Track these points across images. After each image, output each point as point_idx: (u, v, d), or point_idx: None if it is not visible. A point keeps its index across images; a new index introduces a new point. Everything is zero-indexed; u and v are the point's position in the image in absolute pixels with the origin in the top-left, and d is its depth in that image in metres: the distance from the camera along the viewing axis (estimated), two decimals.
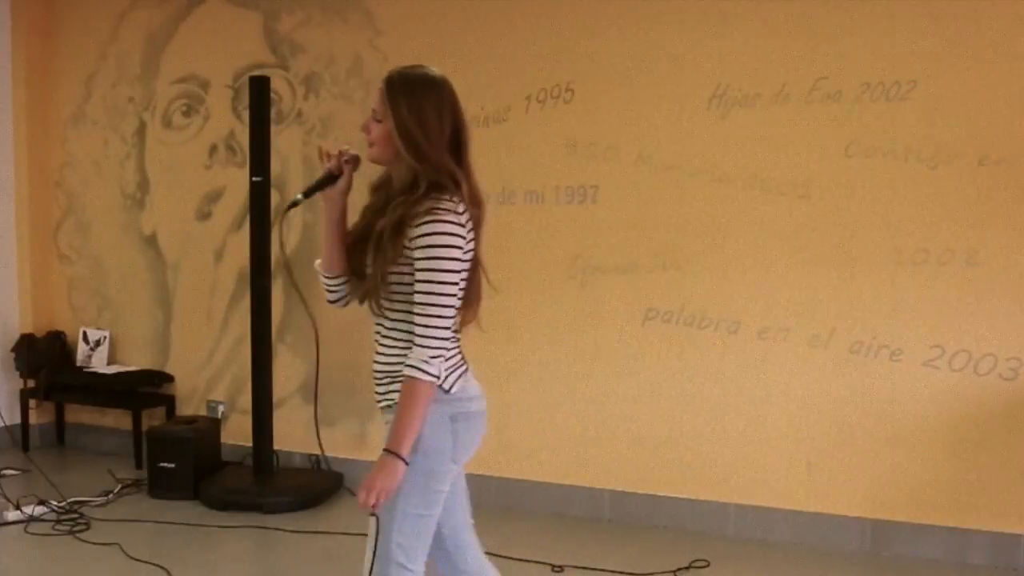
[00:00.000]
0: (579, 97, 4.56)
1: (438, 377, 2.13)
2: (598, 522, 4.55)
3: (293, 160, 5.24)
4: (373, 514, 2.18)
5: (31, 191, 5.90)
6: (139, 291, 5.75)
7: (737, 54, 4.24)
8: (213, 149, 5.47)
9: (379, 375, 2.29)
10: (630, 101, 4.45)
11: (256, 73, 4.94)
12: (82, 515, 4.53)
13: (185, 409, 5.61)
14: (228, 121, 5.41)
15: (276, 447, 4.99)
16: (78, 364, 5.83)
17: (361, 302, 2.29)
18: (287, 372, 5.22)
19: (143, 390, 5.59)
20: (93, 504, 4.72)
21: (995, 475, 3.91)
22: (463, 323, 2.31)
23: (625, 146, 4.47)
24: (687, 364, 4.39)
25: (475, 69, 4.75)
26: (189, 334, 5.62)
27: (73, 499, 4.71)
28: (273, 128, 4.92)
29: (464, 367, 2.29)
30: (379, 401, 2.30)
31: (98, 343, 5.82)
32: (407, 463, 2.12)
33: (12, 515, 4.46)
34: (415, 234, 2.10)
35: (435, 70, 2.26)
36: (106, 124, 5.80)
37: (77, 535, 4.28)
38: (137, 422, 5.44)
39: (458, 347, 2.29)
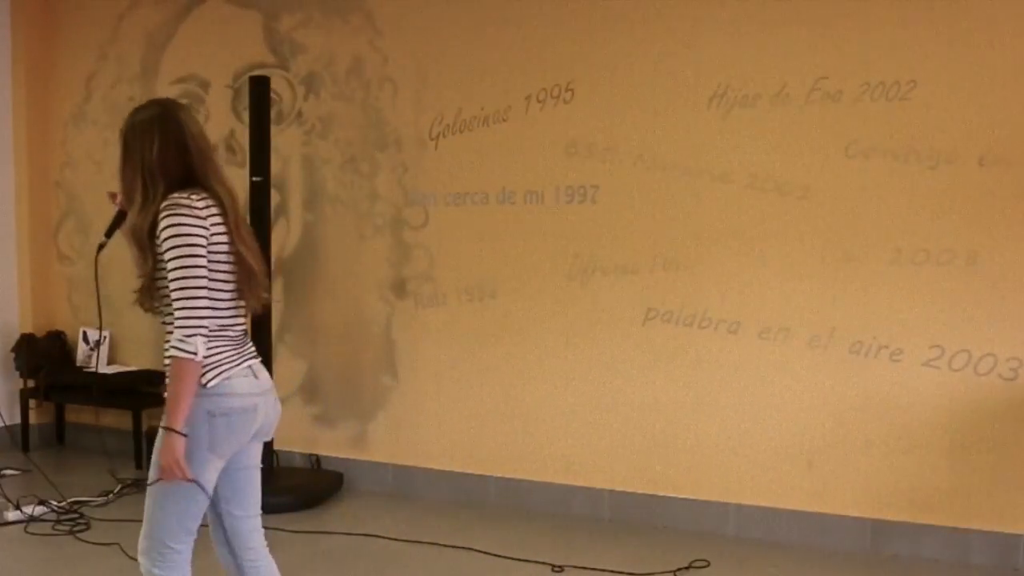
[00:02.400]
0: (579, 97, 4.56)
1: (196, 353, 2.29)
2: (598, 522, 4.55)
3: (293, 160, 5.24)
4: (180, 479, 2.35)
5: (31, 191, 5.91)
6: None
7: (737, 54, 4.24)
8: (213, 149, 5.46)
9: (167, 367, 2.40)
10: (630, 101, 4.45)
11: (256, 73, 4.94)
12: (82, 515, 4.53)
13: None
14: (228, 121, 5.41)
15: (276, 447, 4.99)
16: (78, 364, 5.84)
17: (144, 308, 2.49)
18: (287, 372, 5.22)
19: (143, 390, 5.59)
20: (93, 504, 4.72)
21: (995, 475, 3.91)
22: (247, 310, 2.51)
23: (625, 146, 4.47)
24: (687, 364, 4.39)
25: (475, 69, 4.76)
26: None
27: (73, 499, 4.71)
28: (273, 128, 4.92)
29: (232, 365, 2.42)
30: (166, 391, 2.43)
31: (98, 343, 5.82)
32: (184, 435, 2.30)
33: (12, 515, 4.46)
34: (158, 231, 2.34)
35: (155, 105, 2.62)
36: (106, 124, 5.81)
37: (77, 535, 4.29)
38: (137, 422, 5.44)
39: (229, 345, 2.44)
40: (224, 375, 2.40)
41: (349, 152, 5.08)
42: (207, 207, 2.38)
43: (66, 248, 6.00)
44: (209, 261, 2.35)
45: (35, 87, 5.89)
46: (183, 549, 2.45)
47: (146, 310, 2.48)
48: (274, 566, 2.71)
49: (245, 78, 5.01)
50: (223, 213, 2.41)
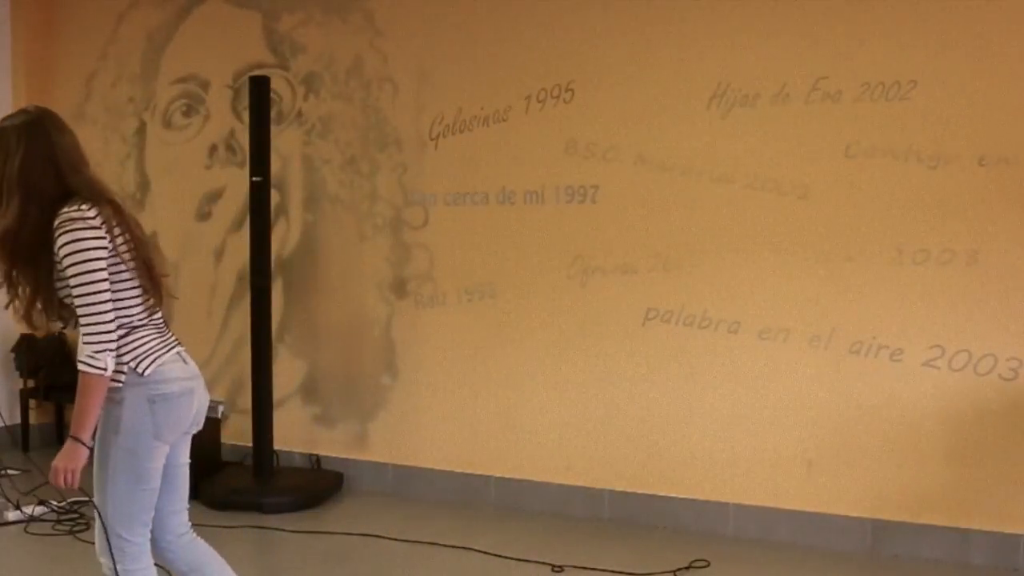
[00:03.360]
0: (579, 97, 4.56)
1: (105, 369, 2.37)
2: (598, 522, 4.55)
3: (293, 160, 5.24)
4: (67, 488, 2.40)
5: None
6: None
7: (737, 54, 4.24)
8: (213, 149, 5.48)
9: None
10: (630, 101, 4.45)
11: (256, 73, 4.94)
12: (82, 515, 4.53)
13: None
14: (228, 121, 5.42)
15: (276, 447, 4.99)
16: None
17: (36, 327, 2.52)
18: (287, 372, 5.23)
19: None
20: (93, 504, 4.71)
21: (995, 475, 3.91)
22: (156, 307, 2.56)
23: (625, 146, 4.47)
24: (687, 364, 4.39)
25: (475, 69, 4.76)
26: (189, 334, 5.59)
27: (73, 499, 4.71)
28: (273, 128, 4.92)
29: (162, 351, 2.50)
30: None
31: None
32: (89, 447, 2.38)
33: (12, 515, 4.46)
34: (56, 247, 2.32)
35: (18, 116, 2.48)
36: (106, 124, 5.81)
37: (77, 535, 4.28)
38: None
39: (154, 333, 2.52)
40: (157, 361, 2.47)
41: (349, 152, 5.08)
42: (97, 215, 2.36)
43: None
44: (111, 271, 2.36)
45: (35, 87, 5.88)
46: (141, 541, 2.51)
47: (37, 327, 2.51)
48: (200, 541, 2.78)
49: (245, 78, 5.01)
50: (116, 217, 2.41)
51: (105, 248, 2.35)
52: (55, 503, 4.61)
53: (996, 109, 3.85)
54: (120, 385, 2.43)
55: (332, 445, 5.19)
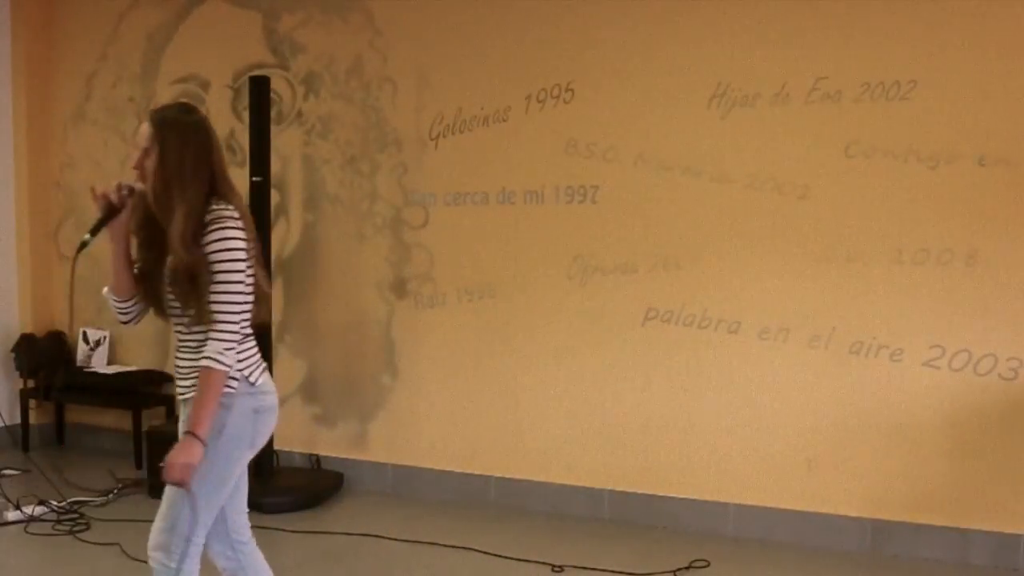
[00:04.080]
0: (579, 97, 4.56)
1: (230, 367, 2.38)
2: (598, 522, 4.55)
3: (293, 160, 5.24)
4: (179, 484, 2.37)
5: (31, 191, 5.90)
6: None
7: (737, 54, 4.24)
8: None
9: (186, 370, 2.47)
10: (630, 101, 4.45)
11: (256, 73, 4.94)
12: (82, 515, 4.53)
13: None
14: (228, 121, 5.41)
15: (276, 447, 4.99)
16: (78, 364, 5.83)
17: (184, 311, 2.43)
18: (287, 372, 5.22)
19: (143, 390, 5.60)
20: (93, 504, 4.72)
21: (995, 475, 3.91)
22: (256, 321, 2.55)
23: (625, 146, 4.47)
24: (687, 364, 4.39)
25: (475, 69, 4.76)
26: None
27: (73, 499, 4.71)
28: (273, 128, 4.92)
29: (263, 363, 2.56)
30: (186, 392, 2.49)
31: (98, 343, 5.82)
32: (205, 444, 2.35)
33: (12, 515, 4.46)
34: (206, 240, 2.35)
35: (190, 111, 2.51)
36: (106, 124, 5.81)
37: (77, 535, 4.28)
38: (137, 422, 5.44)
39: (255, 345, 2.55)
40: (264, 373, 2.54)
41: (349, 152, 5.08)
42: (242, 219, 2.42)
43: (66, 248, 5.99)
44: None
45: (35, 87, 5.88)
46: (200, 543, 2.50)
47: (191, 320, 2.42)
48: (261, 555, 2.80)
49: (245, 78, 5.01)
50: (249, 227, 2.46)
51: (246, 252, 2.40)
52: (55, 503, 4.61)
53: (996, 109, 3.85)
54: (231, 391, 2.43)
55: (332, 445, 5.19)
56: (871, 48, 4.02)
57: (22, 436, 5.77)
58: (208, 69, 5.47)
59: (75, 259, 2.52)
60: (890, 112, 4.00)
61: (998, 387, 3.90)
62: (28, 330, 5.86)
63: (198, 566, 2.51)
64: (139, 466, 5.38)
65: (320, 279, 5.21)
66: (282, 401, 5.47)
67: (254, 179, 4.76)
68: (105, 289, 2.54)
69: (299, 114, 5.21)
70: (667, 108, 4.38)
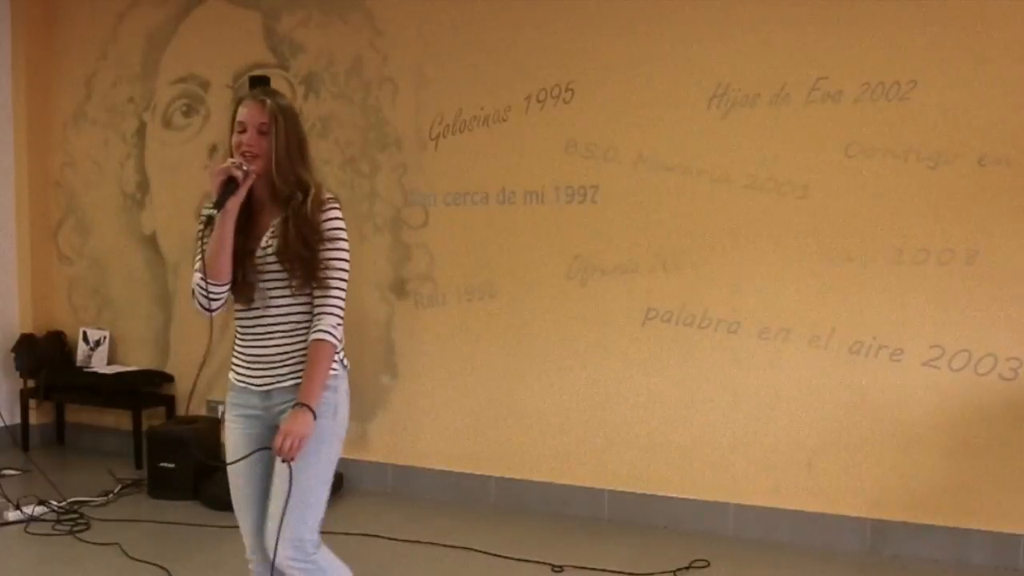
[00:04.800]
0: (579, 97, 4.56)
1: (340, 342, 2.46)
2: (598, 522, 4.55)
3: None
4: (286, 461, 2.38)
5: (31, 191, 5.90)
6: (139, 291, 5.76)
7: (737, 54, 4.24)
8: (213, 149, 5.47)
9: (281, 356, 2.48)
10: (630, 101, 4.45)
11: (256, 73, 4.95)
12: (82, 515, 4.54)
13: (185, 409, 5.61)
14: (228, 121, 5.40)
15: None
16: (78, 364, 5.84)
17: (293, 280, 2.46)
18: None
19: (143, 390, 5.60)
20: (93, 504, 4.72)
21: (995, 475, 3.91)
22: None
23: (625, 146, 4.47)
24: (687, 364, 4.39)
25: (475, 69, 4.76)
26: (189, 334, 5.62)
27: (73, 499, 4.72)
28: None
29: None
30: (279, 380, 2.48)
31: (98, 343, 5.82)
32: (315, 416, 2.38)
33: (12, 515, 4.46)
34: (325, 218, 2.45)
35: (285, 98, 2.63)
36: (106, 124, 5.81)
37: (77, 535, 4.29)
38: (137, 422, 5.44)
39: None
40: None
41: (349, 152, 5.08)
42: None
43: (66, 248, 6.00)
44: None
45: (35, 87, 5.88)
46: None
47: (296, 290, 2.46)
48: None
49: (245, 78, 5.01)
50: None
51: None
52: (55, 503, 4.61)
53: (996, 109, 3.85)
54: (336, 372, 2.49)
55: None
56: (871, 48, 4.02)
57: (22, 436, 5.77)
58: (208, 69, 5.47)
59: (202, 236, 2.43)
60: (890, 112, 4.00)
61: (998, 387, 3.90)
62: (28, 330, 5.86)
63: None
64: (139, 466, 5.38)
65: None
66: None
67: None
68: (198, 277, 2.46)
69: (299, 114, 5.20)
70: (667, 108, 4.38)
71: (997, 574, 3.88)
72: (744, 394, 4.29)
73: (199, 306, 2.50)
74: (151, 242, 5.70)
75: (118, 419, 5.74)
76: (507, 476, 4.77)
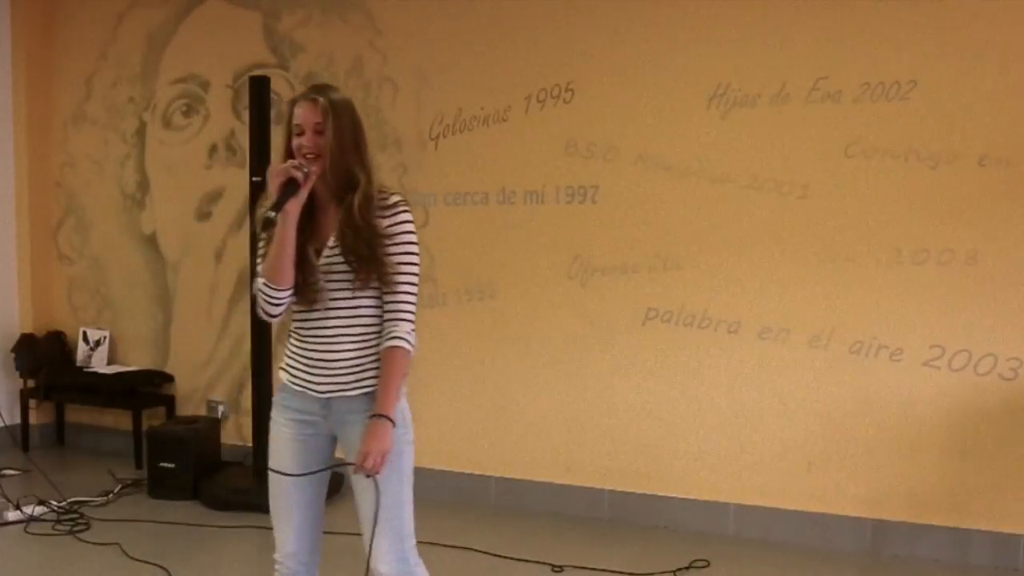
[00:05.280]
0: (579, 97, 4.56)
1: (414, 348, 2.43)
2: (598, 522, 4.55)
3: None
4: (370, 475, 2.35)
5: (31, 191, 5.90)
6: (139, 291, 5.76)
7: (737, 54, 4.24)
8: (213, 149, 5.47)
9: (346, 364, 2.41)
10: (630, 101, 4.45)
11: (256, 73, 4.94)
12: (82, 515, 4.53)
13: (185, 409, 5.61)
14: (228, 121, 5.41)
15: None
16: (78, 364, 5.83)
17: (358, 279, 2.38)
18: None
19: (143, 390, 5.60)
20: (93, 504, 4.72)
21: (995, 475, 3.91)
22: None
23: (625, 146, 4.47)
24: (687, 364, 4.39)
25: (475, 69, 4.76)
26: (189, 334, 5.62)
27: (73, 499, 4.71)
28: (273, 128, 4.91)
29: None
30: (342, 389, 2.41)
31: (98, 343, 5.82)
32: (395, 425, 2.36)
33: (12, 515, 4.46)
34: (394, 222, 2.39)
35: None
36: (106, 124, 5.81)
37: (77, 535, 4.28)
38: (137, 422, 5.44)
39: None
40: None
41: None
42: None
43: (66, 248, 6.00)
44: None
45: (35, 87, 5.88)
46: None
47: (358, 287, 2.38)
48: None
49: (245, 78, 5.01)
50: None
51: None
52: (55, 503, 4.61)
53: (996, 109, 3.85)
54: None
55: None
56: (871, 48, 4.02)
57: (22, 436, 5.77)
58: (208, 69, 5.47)
59: (263, 240, 2.40)
60: (890, 112, 4.00)
61: (998, 387, 3.90)
62: (28, 330, 5.85)
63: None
64: (139, 466, 5.37)
65: None
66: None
67: (254, 179, 4.75)
68: (261, 281, 2.37)
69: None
70: (667, 108, 4.38)
71: (997, 574, 3.88)
72: (744, 394, 4.29)
73: (261, 312, 2.41)
74: (151, 242, 5.70)
75: (118, 419, 5.74)
76: (507, 476, 4.77)
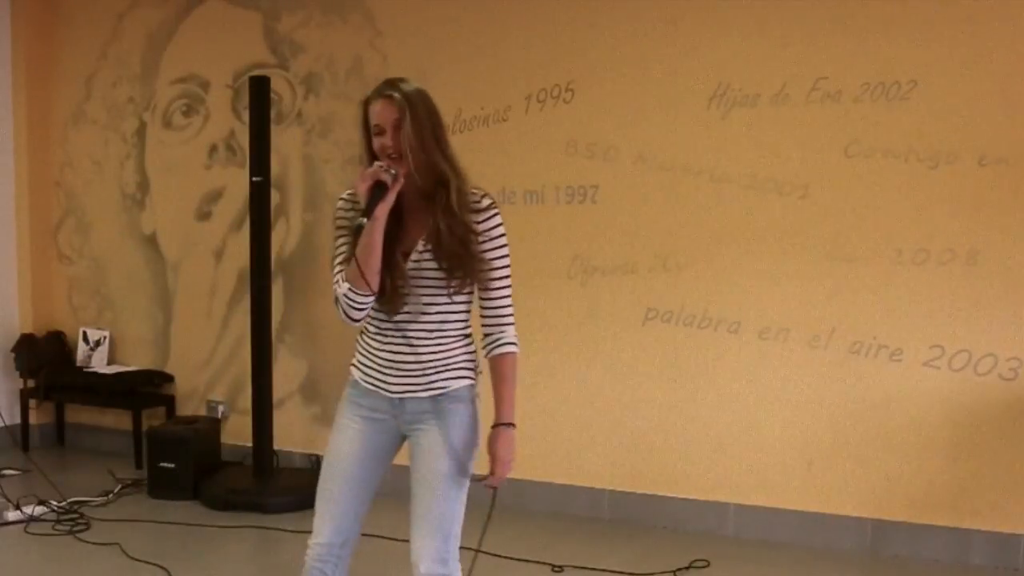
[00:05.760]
0: (579, 97, 4.56)
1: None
2: (598, 522, 4.55)
3: (293, 160, 5.24)
4: (495, 487, 2.38)
5: (31, 191, 5.90)
6: (139, 291, 5.75)
7: (737, 54, 4.24)
8: (213, 149, 5.47)
9: (423, 366, 2.37)
10: (630, 101, 4.45)
11: (256, 73, 4.94)
12: (82, 515, 4.53)
13: (185, 409, 5.61)
14: (228, 121, 5.41)
15: (276, 447, 4.99)
16: (78, 364, 5.83)
17: (452, 277, 2.35)
18: (287, 372, 5.22)
19: (143, 390, 5.60)
20: (93, 504, 4.72)
21: (995, 475, 3.91)
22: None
23: (625, 146, 4.47)
24: (687, 364, 4.39)
25: (475, 69, 4.76)
26: (189, 334, 5.62)
27: (73, 499, 4.71)
28: (273, 128, 4.92)
29: None
30: (415, 390, 2.38)
31: (98, 343, 5.82)
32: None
33: (12, 515, 4.46)
34: (489, 226, 2.36)
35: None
36: (106, 124, 5.81)
37: (77, 535, 4.28)
38: (137, 422, 5.44)
39: None
40: None
41: (349, 152, 5.08)
42: None
43: (66, 248, 6.00)
44: None
45: (35, 87, 5.88)
46: None
47: (455, 291, 2.35)
48: None
49: (245, 78, 5.01)
50: None
51: None
52: (55, 503, 4.61)
53: (996, 109, 3.85)
54: (473, 382, 2.42)
55: None
56: (871, 48, 4.02)
57: (22, 436, 5.76)
58: (208, 69, 5.47)
59: (355, 248, 2.33)
60: (890, 112, 4.00)
61: (998, 387, 3.90)
62: (28, 330, 5.85)
63: None
64: (139, 466, 5.37)
65: (320, 279, 5.20)
66: (282, 401, 5.52)
67: (254, 179, 4.76)
68: (346, 287, 2.30)
69: (299, 114, 5.21)
70: (667, 108, 4.37)
71: (997, 574, 3.88)
72: (744, 394, 4.29)
73: (343, 315, 2.35)
74: (151, 242, 5.70)
75: (118, 419, 5.73)
76: (507, 476, 4.76)
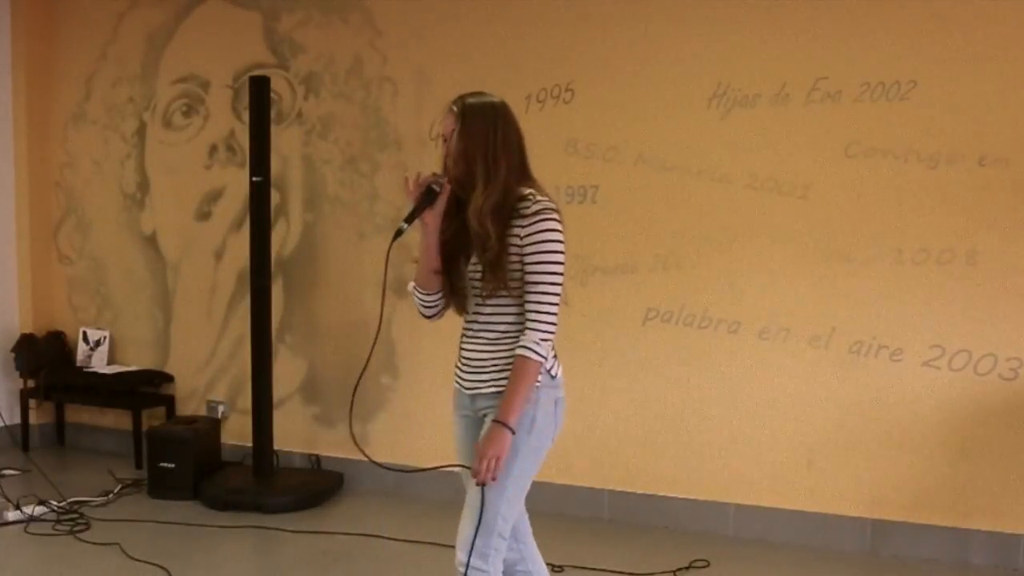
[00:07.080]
0: (579, 97, 4.56)
1: (545, 358, 2.45)
2: (598, 522, 4.55)
3: (293, 160, 5.24)
4: (482, 484, 2.41)
5: (31, 191, 5.90)
6: (139, 291, 5.75)
7: (737, 54, 4.24)
8: (213, 149, 5.48)
9: (477, 363, 2.51)
10: (630, 101, 4.45)
11: (256, 73, 4.94)
12: (82, 515, 4.53)
13: (185, 409, 5.61)
14: (228, 121, 5.41)
15: (276, 447, 4.99)
16: (78, 364, 5.83)
17: (484, 285, 2.45)
18: (287, 372, 5.22)
19: (143, 390, 5.60)
20: (93, 504, 4.72)
21: (995, 475, 3.91)
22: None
23: (625, 146, 4.47)
24: (687, 364, 4.39)
25: (475, 69, 4.75)
26: (189, 334, 5.62)
27: (73, 499, 4.71)
28: (273, 128, 4.92)
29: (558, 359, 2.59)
30: (479, 386, 2.51)
31: (98, 343, 5.82)
32: (514, 433, 2.37)
33: (12, 515, 4.46)
34: (531, 231, 2.36)
35: (491, 96, 2.49)
36: (106, 124, 5.81)
37: (77, 535, 4.28)
38: (137, 422, 5.44)
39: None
40: (560, 366, 2.60)
41: (349, 152, 5.08)
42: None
43: (66, 248, 6.00)
44: None
45: (35, 87, 5.88)
46: (506, 538, 2.54)
47: (487, 294, 2.44)
48: (536, 547, 2.77)
49: (245, 78, 5.01)
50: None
51: (564, 243, 2.42)
52: (55, 503, 4.61)
53: (996, 109, 3.85)
54: (537, 384, 2.47)
55: (332, 445, 5.19)
56: (871, 48, 4.02)
57: (22, 436, 5.77)
58: (208, 69, 5.47)
59: (389, 250, 2.52)
60: (890, 112, 4.00)
61: (998, 387, 3.90)
62: (28, 330, 5.85)
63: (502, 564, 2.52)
64: (139, 466, 5.37)
65: (320, 279, 5.21)
66: (282, 401, 5.51)
67: (254, 179, 4.76)
68: (411, 285, 2.58)
69: (299, 114, 5.21)
70: (667, 108, 4.38)
71: (997, 574, 3.88)
72: (744, 394, 4.29)
73: (420, 312, 2.63)
74: (151, 242, 5.70)
75: (118, 419, 5.74)
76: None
